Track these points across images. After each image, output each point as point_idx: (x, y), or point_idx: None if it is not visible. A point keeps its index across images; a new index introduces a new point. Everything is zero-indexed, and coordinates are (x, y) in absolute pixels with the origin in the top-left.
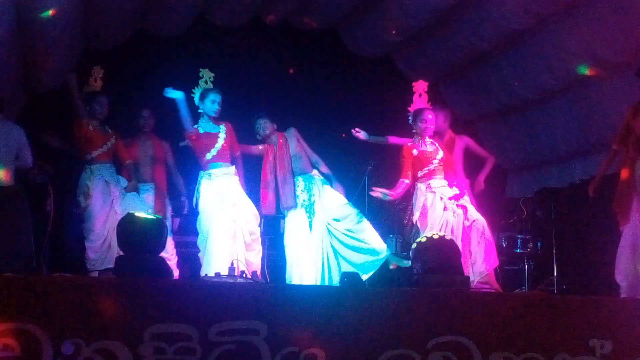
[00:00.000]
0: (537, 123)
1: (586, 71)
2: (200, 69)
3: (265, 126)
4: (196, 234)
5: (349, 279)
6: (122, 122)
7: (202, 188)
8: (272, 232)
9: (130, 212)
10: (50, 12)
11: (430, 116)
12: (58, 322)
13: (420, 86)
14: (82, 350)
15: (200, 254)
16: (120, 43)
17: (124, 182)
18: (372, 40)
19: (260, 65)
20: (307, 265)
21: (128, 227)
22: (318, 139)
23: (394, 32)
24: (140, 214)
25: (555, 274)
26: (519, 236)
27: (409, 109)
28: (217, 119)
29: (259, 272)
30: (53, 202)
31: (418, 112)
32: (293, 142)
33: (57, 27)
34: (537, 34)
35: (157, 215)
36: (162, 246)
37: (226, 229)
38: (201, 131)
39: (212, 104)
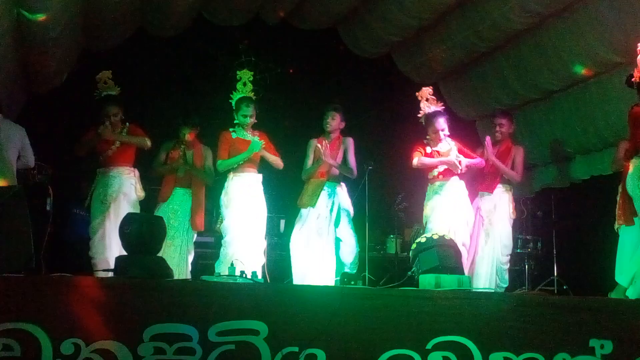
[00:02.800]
0: (538, 123)
1: (585, 71)
2: (238, 71)
3: (330, 121)
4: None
5: (349, 279)
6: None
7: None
8: (272, 233)
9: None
10: (42, 17)
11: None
12: (58, 322)
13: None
14: (82, 350)
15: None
16: (119, 43)
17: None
18: (372, 40)
19: (260, 65)
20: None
21: (127, 227)
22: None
23: (393, 31)
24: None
25: (555, 274)
26: (519, 236)
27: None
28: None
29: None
30: (53, 202)
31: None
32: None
33: (56, 27)
34: (537, 33)
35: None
36: (161, 246)
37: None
38: (234, 136)
39: (244, 117)
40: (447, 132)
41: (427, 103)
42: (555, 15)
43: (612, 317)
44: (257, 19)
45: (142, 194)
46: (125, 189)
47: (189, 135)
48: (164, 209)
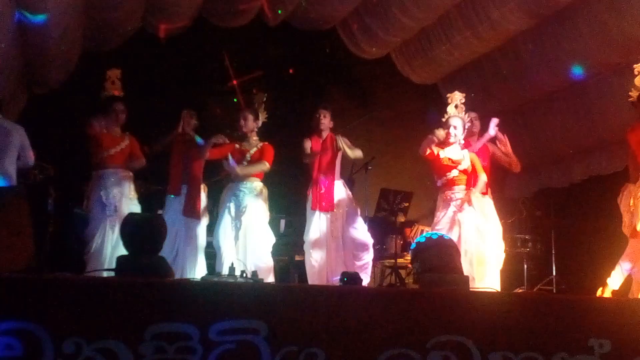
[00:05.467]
0: (537, 123)
1: (584, 71)
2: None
3: (323, 119)
4: None
5: (349, 279)
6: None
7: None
8: (273, 233)
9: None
10: (43, 18)
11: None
12: (59, 321)
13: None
14: (83, 349)
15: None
16: (120, 43)
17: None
18: (372, 40)
19: (260, 65)
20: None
21: (128, 227)
22: None
23: (393, 33)
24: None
25: (554, 274)
26: (518, 236)
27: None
28: None
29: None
30: (54, 202)
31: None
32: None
33: (58, 28)
34: (537, 34)
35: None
36: (162, 245)
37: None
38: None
39: None
40: (461, 139)
41: (456, 110)
42: (554, 16)
43: (610, 317)
44: (258, 19)
45: (134, 195)
46: (125, 191)
47: None
48: None
